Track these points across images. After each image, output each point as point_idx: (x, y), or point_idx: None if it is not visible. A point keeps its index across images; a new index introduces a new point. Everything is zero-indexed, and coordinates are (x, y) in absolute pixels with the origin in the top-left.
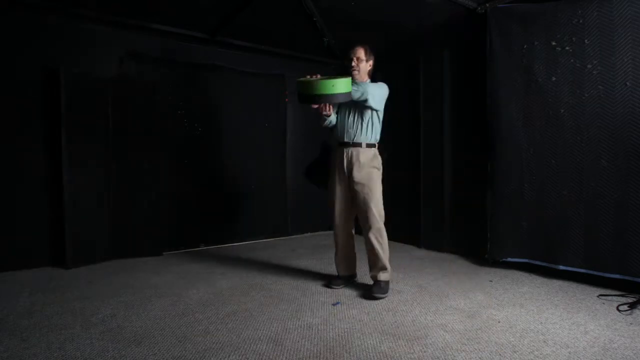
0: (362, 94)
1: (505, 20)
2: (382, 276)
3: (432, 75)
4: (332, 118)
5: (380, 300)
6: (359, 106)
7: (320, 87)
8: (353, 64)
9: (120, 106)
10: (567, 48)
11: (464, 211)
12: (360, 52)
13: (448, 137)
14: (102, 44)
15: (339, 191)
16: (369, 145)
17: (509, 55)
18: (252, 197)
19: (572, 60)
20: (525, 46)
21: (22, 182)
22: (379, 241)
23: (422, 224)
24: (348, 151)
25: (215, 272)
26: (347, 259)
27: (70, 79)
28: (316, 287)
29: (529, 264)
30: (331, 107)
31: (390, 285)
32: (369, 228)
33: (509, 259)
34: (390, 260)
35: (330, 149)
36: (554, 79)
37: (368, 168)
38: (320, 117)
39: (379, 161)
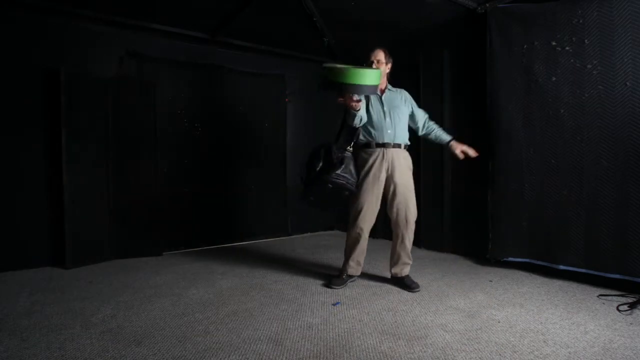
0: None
1: (505, 20)
2: (408, 269)
3: (432, 75)
4: (363, 114)
5: (380, 300)
6: (396, 105)
7: (349, 75)
8: (373, 66)
9: (120, 106)
10: (567, 48)
11: (464, 211)
12: (381, 55)
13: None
14: (102, 44)
15: (371, 194)
16: (406, 147)
17: (509, 55)
18: (252, 197)
19: (572, 60)
20: (525, 46)
21: (22, 182)
22: (410, 239)
23: (422, 224)
24: (388, 153)
25: (215, 272)
26: (361, 261)
27: (70, 79)
28: (316, 287)
29: (529, 263)
30: (360, 102)
31: (390, 285)
32: (407, 227)
33: (510, 259)
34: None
35: (314, 163)
36: (554, 79)
37: (407, 170)
38: (348, 113)
39: (411, 162)
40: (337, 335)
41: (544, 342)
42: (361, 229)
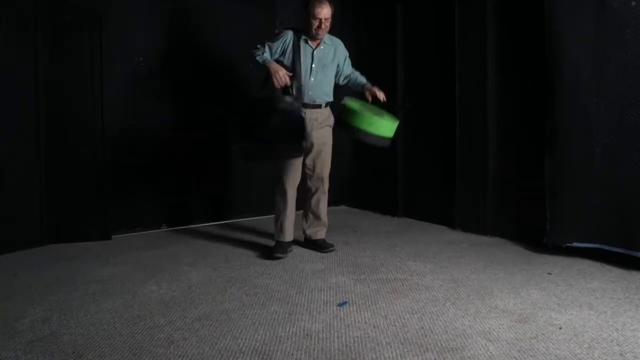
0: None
1: None
2: (323, 233)
3: (470, 10)
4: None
5: (402, 300)
6: (325, 64)
7: (366, 122)
8: (322, 25)
9: (54, 45)
10: None
11: (514, 182)
12: (328, 11)
13: (492, 84)
14: None
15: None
16: (327, 104)
17: None
18: (233, 164)
19: None
20: None
21: None
22: (325, 196)
23: (457, 198)
24: (307, 113)
25: (182, 261)
26: (292, 223)
27: None
28: (316, 281)
29: (600, 250)
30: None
31: (416, 279)
32: (321, 182)
33: (575, 244)
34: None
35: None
36: (633, 3)
37: (326, 128)
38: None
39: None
40: (343, 346)
41: (621, 354)
42: (287, 186)
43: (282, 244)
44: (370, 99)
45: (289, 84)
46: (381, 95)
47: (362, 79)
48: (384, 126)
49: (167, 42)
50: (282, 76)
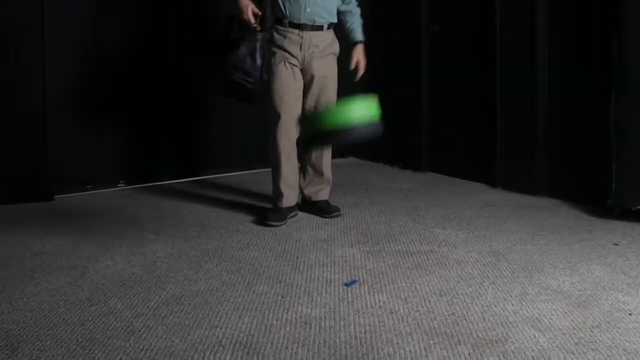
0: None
1: None
2: (326, 193)
3: None
4: None
5: (428, 279)
6: None
7: (331, 119)
8: None
9: None
10: None
11: (570, 129)
12: None
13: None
14: None
15: (288, 89)
16: (330, 26)
17: None
18: (215, 106)
19: None
20: None
21: None
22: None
23: (498, 149)
24: (305, 37)
25: (145, 228)
26: (294, 183)
27: None
28: (316, 254)
29: None
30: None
31: (445, 251)
32: None
33: None
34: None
35: None
36: None
37: (330, 57)
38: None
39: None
40: (351, 337)
41: None
42: (279, 136)
43: (280, 209)
44: (353, 65)
45: (252, 25)
46: (360, 74)
47: (358, 30)
48: (360, 104)
49: None
50: (247, 15)
